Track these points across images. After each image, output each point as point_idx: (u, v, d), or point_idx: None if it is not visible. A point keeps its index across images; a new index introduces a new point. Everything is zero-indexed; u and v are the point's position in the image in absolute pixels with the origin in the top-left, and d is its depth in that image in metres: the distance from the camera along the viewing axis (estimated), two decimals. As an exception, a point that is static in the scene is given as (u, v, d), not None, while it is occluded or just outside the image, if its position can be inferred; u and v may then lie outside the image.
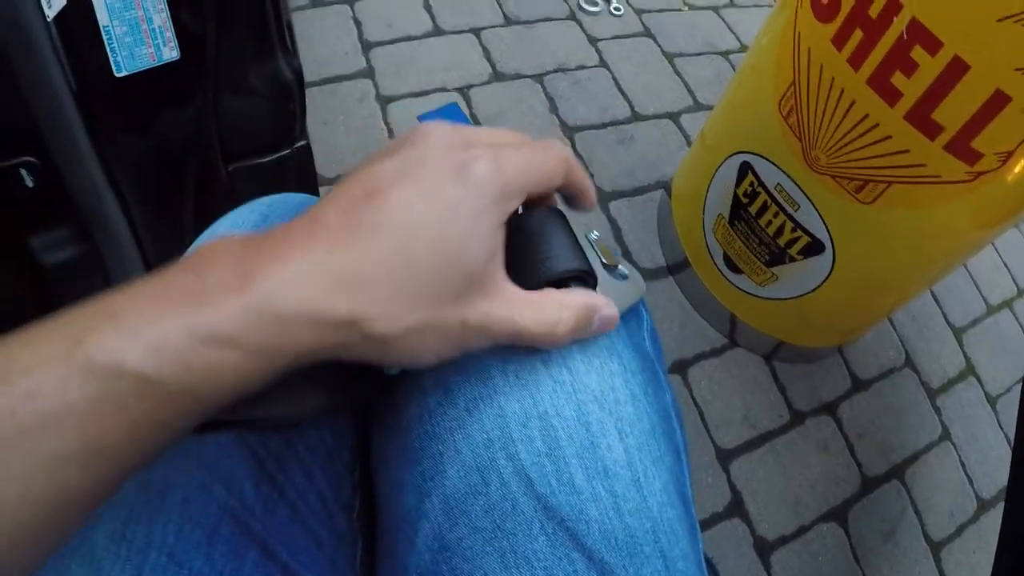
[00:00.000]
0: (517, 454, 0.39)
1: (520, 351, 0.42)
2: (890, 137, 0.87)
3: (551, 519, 0.38)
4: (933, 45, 0.77)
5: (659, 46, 1.82)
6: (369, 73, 1.55)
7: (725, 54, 1.87)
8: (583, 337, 0.40)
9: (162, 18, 0.72)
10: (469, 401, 0.41)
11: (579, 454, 0.39)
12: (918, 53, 0.79)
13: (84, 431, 0.27)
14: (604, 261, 0.45)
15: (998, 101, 0.76)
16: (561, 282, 0.42)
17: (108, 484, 0.29)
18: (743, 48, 1.89)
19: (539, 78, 1.65)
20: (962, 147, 0.82)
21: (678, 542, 0.40)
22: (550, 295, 0.38)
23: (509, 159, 0.36)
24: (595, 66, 1.72)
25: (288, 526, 0.43)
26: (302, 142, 0.97)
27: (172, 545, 0.38)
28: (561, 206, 0.45)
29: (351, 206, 0.33)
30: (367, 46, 1.60)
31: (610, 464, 0.40)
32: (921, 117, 0.82)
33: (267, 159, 0.96)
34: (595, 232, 0.46)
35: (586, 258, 0.43)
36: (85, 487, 0.28)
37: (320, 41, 1.57)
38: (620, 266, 0.47)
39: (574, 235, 0.44)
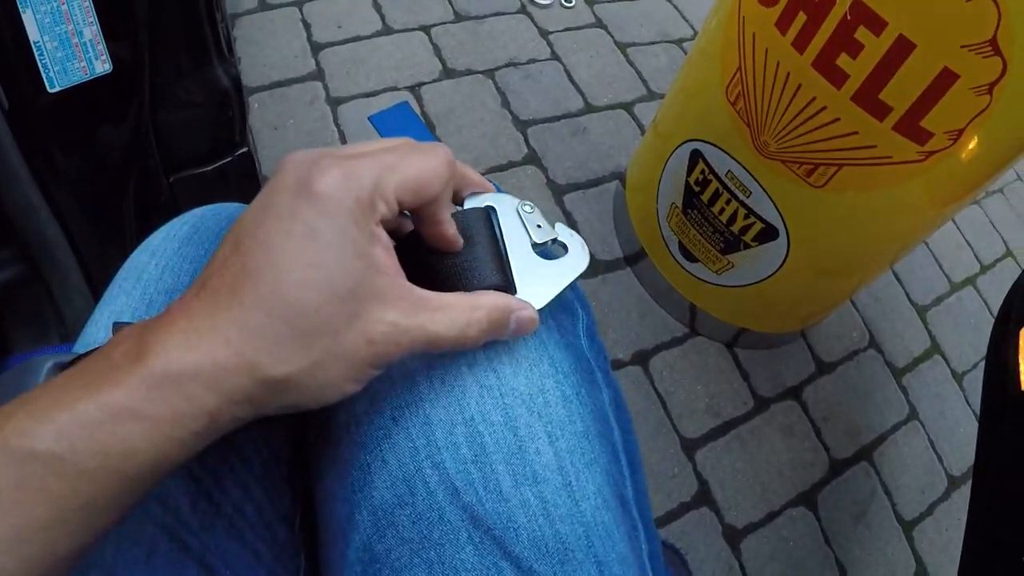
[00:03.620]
0: (443, 463, 0.39)
1: (446, 356, 0.41)
2: (838, 119, 0.86)
3: (478, 528, 0.38)
4: (877, 25, 0.77)
5: (611, 36, 1.81)
6: (319, 75, 1.53)
7: (679, 42, 1.86)
8: (499, 338, 0.39)
9: (93, 31, 0.70)
10: (395, 409, 0.41)
11: (506, 460, 0.39)
12: (863, 34, 0.78)
13: (8, 515, 0.27)
14: (536, 240, 0.42)
15: (946, 79, 0.75)
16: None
17: (44, 569, 0.28)
18: (696, 35, 1.88)
19: (490, 73, 1.64)
20: (912, 127, 0.81)
21: (614, 546, 0.40)
22: (460, 296, 0.37)
23: (363, 164, 0.34)
24: (547, 59, 1.71)
25: (226, 541, 0.43)
26: (243, 149, 0.96)
27: (110, 565, 0.38)
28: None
29: (223, 264, 0.33)
30: (316, 48, 1.58)
31: (539, 469, 0.39)
32: (869, 98, 0.82)
33: (208, 168, 0.94)
34: (528, 204, 0.44)
35: (504, 272, 0.41)
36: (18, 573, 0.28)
37: (269, 45, 1.55)
38: (558, 238, 0.44)
39: (496, 240, 0.42)
